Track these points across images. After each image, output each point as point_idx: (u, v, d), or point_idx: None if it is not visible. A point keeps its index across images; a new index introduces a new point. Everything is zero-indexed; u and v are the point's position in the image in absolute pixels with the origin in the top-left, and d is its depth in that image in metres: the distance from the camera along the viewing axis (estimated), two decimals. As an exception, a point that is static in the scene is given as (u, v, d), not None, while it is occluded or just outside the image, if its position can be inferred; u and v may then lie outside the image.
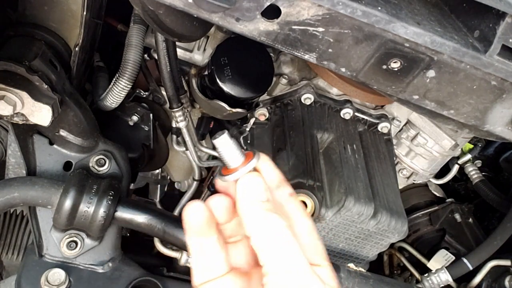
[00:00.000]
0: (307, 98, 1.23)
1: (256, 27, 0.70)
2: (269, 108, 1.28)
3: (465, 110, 0.82)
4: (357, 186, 1.14)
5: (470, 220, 1.57)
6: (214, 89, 1.20)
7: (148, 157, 1.29)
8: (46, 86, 0.89)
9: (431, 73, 0.76)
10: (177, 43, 1.19)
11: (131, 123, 1.26)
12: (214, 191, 1.47)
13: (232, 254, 0.64)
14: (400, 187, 1.46)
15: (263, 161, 0.67)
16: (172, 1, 0.67)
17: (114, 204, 0.97)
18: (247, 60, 1.20)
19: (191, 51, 1.30)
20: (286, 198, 0.65)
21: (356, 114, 1.28)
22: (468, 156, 1.51)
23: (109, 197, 0.96)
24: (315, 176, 1.12)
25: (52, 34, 0.99)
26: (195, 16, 0.69)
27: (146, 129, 1.28)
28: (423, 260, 1.54)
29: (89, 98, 1.23)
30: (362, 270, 1.13)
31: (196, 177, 1.46)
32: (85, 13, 0.93)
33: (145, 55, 1.31)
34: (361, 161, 1.22)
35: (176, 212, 1.49)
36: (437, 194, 1.64)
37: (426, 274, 1.38)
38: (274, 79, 1.25)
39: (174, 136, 1.39)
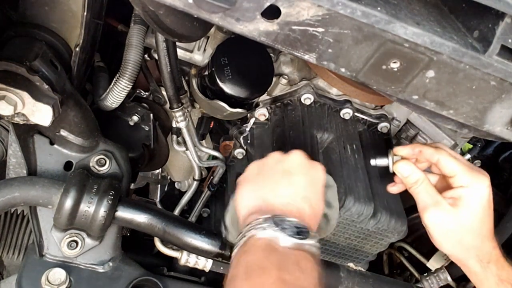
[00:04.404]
0: (307, 98, 1.23)
1: (256, 28, 0.71)
2: (269, 108, 1.28)
3: (465, 110, 0.82)
4: (356, 186, 1.14)
5: (470, 220, 1.57)
6: (214, 89, 1.20)
7: (148, 157, 1.29)
8: (46, 86, 0.89)
9: (430, 73, 0.76)
10: (177, 43, 1.19)
11: (131, 123, 1.26)
12: (213, 190, 1.48)
13: None
14: (400, 187, 1.46)
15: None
16: (172, 1, 0.67)
17: (115, 204, 0.97)
18: (247, 60, 1.20)
19: (191, 51, 1.30)
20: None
21: (356, 114, 1.29)
22: (468, 156, 1.51)
23: (109, 197, 0.96)
24: (315, 176, 1.12)
25: (53, 35, 0.99)
26: (195, 16, 0.69)
27: (147, 129, 1.28)
28: (423, 259, 1.54)
29: (90, 98, 1.23)
30: (362, 269, 1.13)
31: (196, 177, 1.46)
32: (85, 13, 0.93)
33: (146, 55, 1.31)
34: (360, 161, 1.22)
35: (176, 212, 1.49)
36: (437, 194, 1.64)
37: (426, 274, 1.38)
38: (274, 79, 1.25)
39: (174, 136, 1.39)
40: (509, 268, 0.97)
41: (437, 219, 0.96)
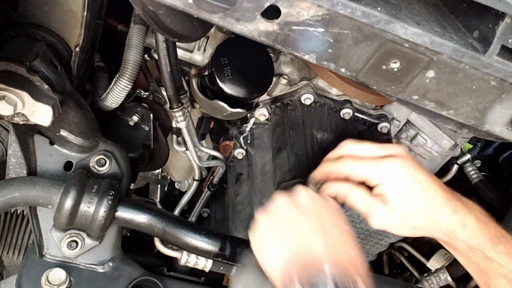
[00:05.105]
0: (307, 98, 1.23)
1: (256, 28, 0.71)
2: (269, 108, 1.28)
3: (465, 110, 0.82)
4: (357, 186, 1.14)
5: (470, 220, 1.57)
6: (214, 89, 1.20)
7: (148, 157, 1.29)
8: (46, 86, 0.89)
9: (430, 73, 0.76)
10: (177, 43, 1.19)
11: (131, 123, 1.26)
12: (213, 190, 1.48)
13: None
14: (400, 187, 1.46)
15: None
16: (172, 1, 0.67)
17: (115, 204, 0.97)
18: (247, 60, 1.20)
19: (191, 51, 1.30)
20: None
21: (356, 114, 1.28)
22: (468, 156, 1.51)
23: (109, 197, 0.96)
24: (315, 176, 1.12)
25: (53, 35, 0.99)
26: (195, 16, 0.69)
27: (146, 129, 1.28)
28: (423, 259, 1.54)
29: (90, 98, 1.23)
30: (362, 269, 1.13)
31: (196, 177, 1.46)
32: (85, 13, 0.93)
33: (146, 55, 1.31)
34: (360, 161, 1.22)
35: (176, 212, 1.49)
36: (437, 194, 1.64)
37: (426, 274, 1.38)
38: (274, 79, 1.25)
39: (174, 136, 1.39)
40: (480, 232, 0.89)
41: (379, 221, 0.93)
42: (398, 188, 0.91)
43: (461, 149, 1.49)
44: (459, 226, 0.89)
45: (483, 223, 0.89)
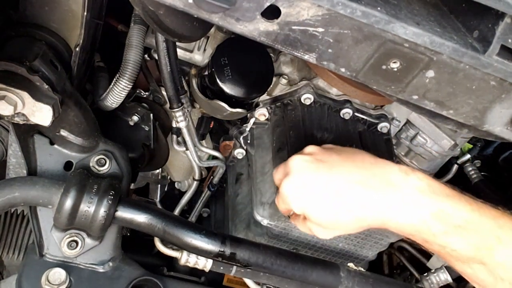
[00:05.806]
0: (307, 98, 1.23)
1: (256, 28, 0.71)
2: (269, 108, 1.28)
3: (464, 110, 0.82)
4: (356, 186, 1.14)
5: (469, 219, 1.57)
6: (214, 89, 1.20)
7: (148, 157, 1.29)
8: (46, 86, 0.90)
9: (430, 73, 0.76)
10: (177, 43, 1.19)
11: (131, 123, 1.26)
12: (213, 190, 1.48)
13: None
14: (400, 187, 1.46)
15: None
16: (172, 1, 0.67)
17: (115, 204, 0.97)
18: (247, 60, 1.20)
19: (191, 51, 1.30)
20: None
21: (356, 114, 1.28)
22: (468, 156, 1.51)
23: (109, 196, 0.96)
24: (315, 176, 1.12)
25: (53, 35, 1.00)
26: (195, 16, 0.70)
27: (147, 129, 1.28)
28: (423, 259, 1.54)
29: (90, 98, 1.23)
30: (362, 269, 1.13)
31: (196, 177, 1.46)
32: (85, 13, 0.93)
33: (146, 55, 1.31)
34: (360, 161, 1.21)
35: (176, 212, 1.49)
36: (437, 194, 1.64)
37: (426, 274, 1.38)
38: (274, 79, 1.25)
39: (174, 136, 1.39)
40: (411, 217, 0.81)
41: (324, 237, 0.92)
42: (307, 210, 0.88)
43: (461, 149, 1.49)
44: (386, 219, 0.82)
45: (415, 205, 0.80)
